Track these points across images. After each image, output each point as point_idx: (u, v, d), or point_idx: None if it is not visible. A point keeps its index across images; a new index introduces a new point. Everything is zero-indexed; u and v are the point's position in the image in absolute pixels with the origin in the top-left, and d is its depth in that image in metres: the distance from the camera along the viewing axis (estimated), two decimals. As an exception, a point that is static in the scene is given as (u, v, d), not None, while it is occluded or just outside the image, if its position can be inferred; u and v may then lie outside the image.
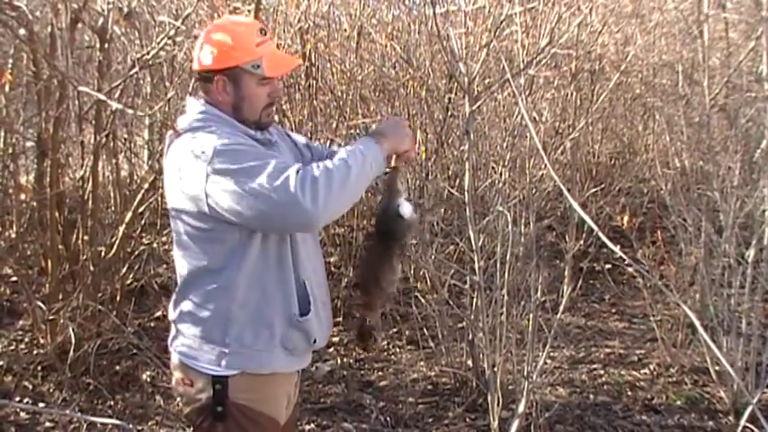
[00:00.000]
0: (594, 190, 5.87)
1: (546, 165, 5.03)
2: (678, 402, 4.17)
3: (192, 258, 2.16)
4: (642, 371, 4.56)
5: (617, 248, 1.67)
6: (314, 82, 5.65)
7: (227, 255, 2.11)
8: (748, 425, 2.55)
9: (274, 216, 1.99)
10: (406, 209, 2.27)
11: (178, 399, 2.31)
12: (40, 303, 4.16)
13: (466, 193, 3.37)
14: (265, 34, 2.23)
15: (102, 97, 2.66)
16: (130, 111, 2.65)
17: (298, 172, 1.97)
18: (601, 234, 1.50)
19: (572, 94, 5.72)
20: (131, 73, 3.50)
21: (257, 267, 2.13)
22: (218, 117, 2.17)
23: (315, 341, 2.27)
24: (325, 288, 2.37)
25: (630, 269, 5.78)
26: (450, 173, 5.75)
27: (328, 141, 5.37)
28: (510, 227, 3.57)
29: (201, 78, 2.23)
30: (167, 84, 4.77)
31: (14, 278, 4.97)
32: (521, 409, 3.48)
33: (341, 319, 5.16)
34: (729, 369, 1.64)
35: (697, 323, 1.36)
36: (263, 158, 2.01)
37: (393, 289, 2.40)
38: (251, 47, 2.16)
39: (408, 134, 2.30)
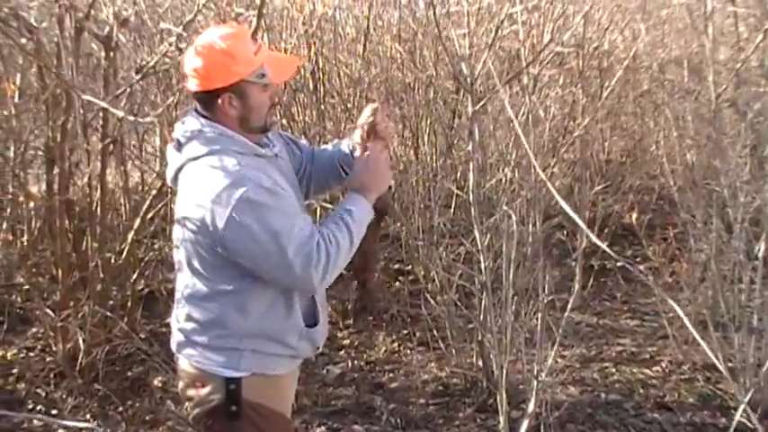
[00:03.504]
0: (600, 187, 5.84)
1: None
2: (690, 399, 4.15)
3: (206, 280, 2.18)
4: (654, 368, 4.53)
5: (606, 247, 1.66)
6: (321, 86, 5.66)
7: (242, 278, 2.14)
8: (743, 419, 2.52)
9: (282, 281, 2.13)
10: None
11: (186, 402, 2.32)
12: (48, 310, 4.19)
13: (470, 193, 3.37)
14: (256, 40, 2.23)
15: (105, 105, 2.67)
16: (131, 118, 2.67)
17: (318, 245, 2.06)
18: (592, 235, 1.50)
19: (581, 92, 5.70)
20: (135, 80, 3.51)
21: (271, 289, 2.17)
22: (229, 137, 2.16)
23: (318, 348, 2.39)
24: (325, 291, 2.42)
25: (631, 267, 5.74)
26: (458, 174, 5.75)
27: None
28: (515, 226, 3.55)
29: (203, 98, 2.18)
30: (176, 91, 4.79)
31: (27, 286, 5.02)
32: (530, 408, 3.47)
33: (351, 321, 5.17)
34: (721, 367, 1.63)
35: (687, 322, 1.36)
36: (287, 220, 2.07)
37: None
38: (251, 57, 2.14)
39: (387, 167, 2.35)
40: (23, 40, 3.47)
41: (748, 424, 2.62)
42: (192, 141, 2.15)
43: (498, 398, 3.47)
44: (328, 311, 2.54)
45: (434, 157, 5.69)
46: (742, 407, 1.45)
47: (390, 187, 2.41)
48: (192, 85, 2.17)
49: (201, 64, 2.12)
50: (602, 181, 6.28)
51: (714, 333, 4.02)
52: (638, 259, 5.91)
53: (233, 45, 2.12)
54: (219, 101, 2.15)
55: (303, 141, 2.64)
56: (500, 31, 3.44)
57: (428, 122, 5.75)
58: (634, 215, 4.52)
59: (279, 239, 2.02)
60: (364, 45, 5.83)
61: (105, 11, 4.11)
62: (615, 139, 7.25)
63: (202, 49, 2.13)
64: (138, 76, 3.42)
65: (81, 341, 4.00)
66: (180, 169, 2.19)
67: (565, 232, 5.54)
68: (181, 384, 2.33)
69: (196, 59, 2.13)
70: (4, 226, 4.13)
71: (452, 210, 5.78)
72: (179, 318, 2.27)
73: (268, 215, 2.03)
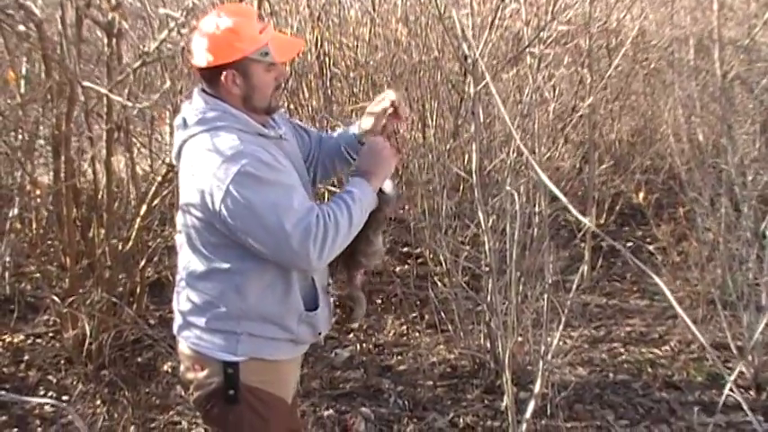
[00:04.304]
0: (608, 165, 5.80)
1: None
2: (699, 378, 4.14)
3: (205, 258, 2.19)
4: (663, 348, 4.52)
5: (613, 228, 1.65)
6: (327, 70, 5.64)
7: (241, 257, 2.14)
8: (729, 393, 2.49)
9: (279, 255, 2.09)
10: (387, 185, 2.34)
11: (188, 385, 2.34)
12: (54, 297, 4.21)
13: (474, 174, 3.35)
14: (263, 20, 2.23)
15: (105, 91, 2.67)
16: (130, 103, 2.67)
17: (317, 219, 2.05)
18: (576, 212, 1.48)
19: (587, 71, 5.66)
20: (135, 67, 3.51)
21: (270, 270, 2.17)
22: (232, 115, 2.17)
23: (320, 333, 2.37)
24: (327, 275, 2.41)
25: (627, 254, 5.71)
26: (465, 157, 5.73)
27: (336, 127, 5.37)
28: (518, 207, 3.54)
29: (207, 75, 2.20)
30: (177, 76, 4.77)
31: (36, 274, 5.05)
32: (537, 389, 3.47)
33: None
34: (707, 345, 1.62)
35: (678, 307, 1.35)
36: (286, 193, 2.06)
37: (374, 262, 2.45)
38: (255, 35, 2.15)
39: (389, 155, 2.33)
40: (22, 28, 3.46)
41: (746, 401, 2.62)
42: (196, 118, 2.17)
43: (504, 379, 3.47)
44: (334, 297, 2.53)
45: (442, 140, 5.66)
46: (729, 385, 1.44)
47: (389, 197, 2.38)
48: (197, 61, 2.19)
49: (207, 40, 2.14)
50: (610, 161, 6.25)
51: (723, 312, 4.02)
52: (647, 239, 5.89)
53: (238, 23, 2.14)
54: (223, 78, 2.15)
55: (313, 129, 2.64)
56: (502, 10, 3.41)
57: (435, 105, 5.72)
58: (641, 194, 4.50)
59: (277, 212, 2.01)
60: (370, 28, 5.80)
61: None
62: (625, 119, 7.20)
63: (208, 27, 2.15)
64: (138, 63, 3.41)
65: (88, 328, 4.02)
66: (182, 145, 2.20)
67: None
68: (181, 368, 2.35)
69: (202, 36, 2.16)
70: (11, 214, 4.14)
71: (460, 192, 5.77)
72: (179, 300, 2.29)
73: (266, 189, 2.03)
